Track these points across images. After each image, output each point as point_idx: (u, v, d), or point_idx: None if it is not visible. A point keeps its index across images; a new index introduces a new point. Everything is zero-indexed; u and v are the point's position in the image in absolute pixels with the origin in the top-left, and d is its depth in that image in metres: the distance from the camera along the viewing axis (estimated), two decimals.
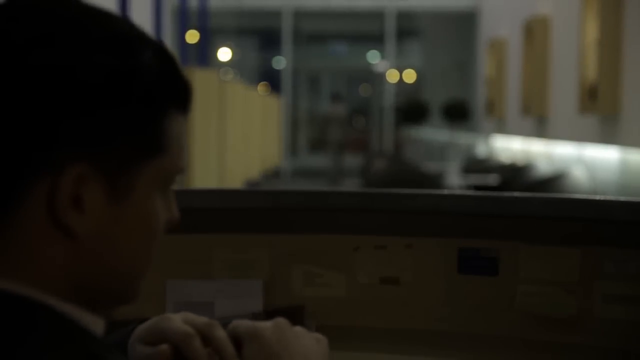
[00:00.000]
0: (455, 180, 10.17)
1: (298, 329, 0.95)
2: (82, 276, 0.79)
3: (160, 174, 0.82)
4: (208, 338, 0.92)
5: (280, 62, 18.26)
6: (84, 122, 0.76)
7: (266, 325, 0.93)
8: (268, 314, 1.78)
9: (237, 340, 0.92)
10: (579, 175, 8.33)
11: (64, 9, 0.79)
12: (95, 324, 0.82)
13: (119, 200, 0.79)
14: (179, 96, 0.84)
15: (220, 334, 0.92)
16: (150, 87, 0.80)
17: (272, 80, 17.92)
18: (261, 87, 16.26)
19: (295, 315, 1.78)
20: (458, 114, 16.15)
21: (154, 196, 0.82)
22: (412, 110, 17.04)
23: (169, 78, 0.82)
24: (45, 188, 0.76)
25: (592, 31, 7.29)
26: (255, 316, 1.77)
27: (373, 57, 18.88)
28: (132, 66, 0.78)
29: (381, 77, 18.13)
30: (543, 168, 9.34)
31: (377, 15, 18.08)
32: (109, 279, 0.81)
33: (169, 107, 0.82)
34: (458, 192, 1.89)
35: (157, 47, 0.82)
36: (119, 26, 0.81)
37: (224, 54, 15.90)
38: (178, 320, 0.93)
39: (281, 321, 0.94)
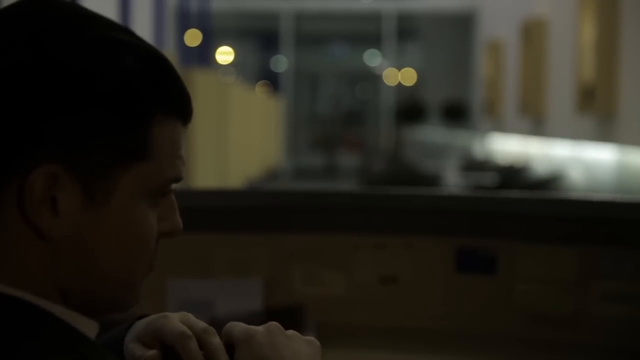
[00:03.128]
0: (453, 180, 10.18)
1: (290, 332, 0.93)
2: (65, 280, 0.79)
3: (145, 181, 0.80)
4: (202, 343, 0.90)
5: (281, 63, 18.26)
6: (55, 123, 0.75)
7: (258, 329, 0.91)
8: (268, 313, 1.79)
9: (230, 344, 0.91)
10: (576, 175, 8.34)
11: (52, 10, 0.79)
12: (88, 326, 0.81)
13: (97, 204, 0.78)
14: (170, 103, 0.81)
15: (216, 341, 0.90)
16: (129, 92, 0.78)
17: (273, 81, 17.93)
18: (261, 87, 16.27)
19: (295, 314, 1.79)
20: (456, 114, 16.18)
21: (139, 204, 0.80)
22: (411, 110, 17.07)
23: (156, 84, 0.80)
24: (16, 188, 0.76)
25: (588, 31, 7.31)
26: (255, 315, 1.78)
27: (373, 59, 18.88)
28: (107, 70, 0.77)
29: (381, 78, 18.13)
30: (541, 169, 9.36)
31: (376, 17, 18.09)
32: (93, 285, 0.80)
33: (155, 113, 0.80)
34: (457, 191, 1.90)
35: (145, 53, 0.81)
36: (103, 30, 0.79)
37: (226, 55, 15.89)
38: (176, 320, 0.91)
39: (273, 325, 0.92)
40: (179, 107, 0.83)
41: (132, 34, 0.83)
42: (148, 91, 0.80)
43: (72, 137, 0.76)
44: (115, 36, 0.80)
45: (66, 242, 0.78)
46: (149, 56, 0.81)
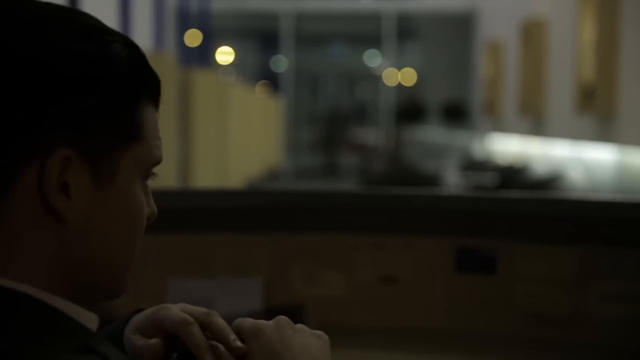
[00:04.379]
0: (453, 180, 10.19)
1: (299, 326, 0.94)
2: (72, 266, 0.80)
3: (140, 161, 0.83)
4: (207, 326, 0.91)
5: (281, 63, 18.28)
6: (64, 107, 0.78)
7: (267, 323, 0.92)
8: (268, 313, 1.80)
9: (240, 339, 0.92)
10: (576, 175, 8.35)
11: (34, 8, 0.81)
12: (89, 318, 0.82)
13: (103, 185, 0.80)
14: (150, 87, 0.86)
15: (220, 321, 0.91)
16: (124, 75, 0.82)
17: (273, 81, 17.95)
18: (261, 87, 16.28)
19: (295, 314, 1.80)
20: (456, 114, 16.20)
21: (136, 185, 0.83)
22: (411, 110, 17.10)
23: (139, 68, 0.84)
24: (34, 173, 0.77)
25: (588, 31, 7.31)
26: (255, 315, 1.79)
27: (373, 59, 18.91)
28: (105, 53, 0.81)
29: (380, 78, 18.16)
30: (541, 169, 9.36)
31: (376, 18, 18.11)
32: (96, 268, 0.82)
33: (142, 96, 0.84)
34: (456, 191, 1.91)
35: (124, 39, 0.85)
36: (87, 19, 0.83)
37: (226, 55, 15.91)
38: (176, 309, 0.92)
39: (282, 319, 0.93)
40: (157, 91, 0.87)
41: (99, 21, 0.86)
42: (136, 75, 0.84)
43: (79, 120, 0.79)
44: (98, 24, 0.84)
45: (76, 225, 0.80)
46: (129, 43, 0.85)
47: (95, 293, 0.84)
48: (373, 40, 18.55)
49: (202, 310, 0.92)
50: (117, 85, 0.81)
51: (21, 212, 0.78)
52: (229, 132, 8.49)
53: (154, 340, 0.91)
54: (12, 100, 0.77)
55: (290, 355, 0.89)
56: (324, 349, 0.93)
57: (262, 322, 0.92)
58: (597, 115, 7.18)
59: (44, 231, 0.79)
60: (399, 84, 18.35)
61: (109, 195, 0.81)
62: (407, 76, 18.44)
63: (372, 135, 17.52)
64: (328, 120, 17.00)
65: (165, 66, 5.71)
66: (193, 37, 12.16)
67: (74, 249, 0.80)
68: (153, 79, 0.87)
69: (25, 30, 0.79)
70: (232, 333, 0.90)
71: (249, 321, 0.92)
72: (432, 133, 16.92)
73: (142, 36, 8.54)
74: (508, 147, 11.85)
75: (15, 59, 0.78)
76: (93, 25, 0.83)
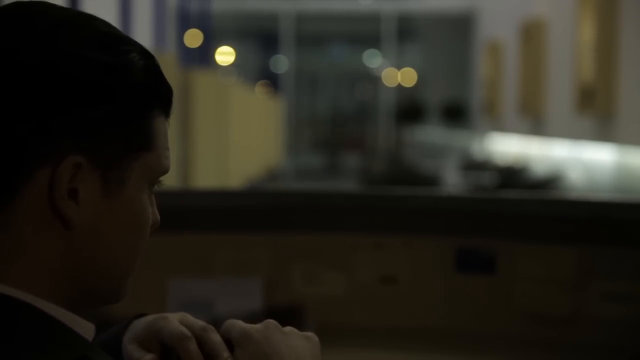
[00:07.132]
0: (453, 180, 10.19)
1: (288, 329, 0.94)
2: (73, 270, 0.81)
3: (149, 171, 0.84)
4: (203, 341, 0.92)
5: (281, 64, 18.29)
6: (79, 114, 0.78)
7: (256, 327, 0.93)
8: (269, 312, 1.80)
9: (229, 342, 0.92)
10: (575, 175, 8.36)
11: (54, 11, 0.82)
12: (86, 328, 0.82)
13: (112, 192, 0.81)
14: (164, 98, 0.86)
15: (216, 338, 0.92)
16: (139, 85, 0.82)
17: (273, 81, 17.96)
18: (261, 88, 16.27)
19: (295, 314, 1.80)
20: (456, 114, 16.22)
21: (143, 194, 0.84)
22: (410, 110, 17.12)
23: (154, 79, 0.85)
24: (43, 178, 0.78)
25: (588, 32, 7.32)
26: (255, 314, 1.79)
27: (372, 59, 18.92)
28: (123, 63, 0.81)
29: (380, 78, 18.17)
30: (540, 169, 9.37)
31: (376, 18, 18.12)
32: (98, 274, 0.82)
33: (155, 106, 0.85)
34: (456, 191, 1.91)
35: (141, 48, 0.85)
36: (105, 27, 0.83)
37: (226, 55, 15.91)
38: (175, 321, 0.93)
39: (271, 322, 0.93)
40: (169, 102, 0.88)
41: (116, 29, 0.86)
42: (151, 86, 0.84)
43: (92, 128, 0.79)
44: (117, 33, 0.84)
45: (83, 232, 0.80)
46: (145, 52, 0.85)
47: (95, 298, 0.84)
48: (373, 40, 18.55)
49: (199, 324, 0.92)
50: (132, 94, 0.82)
51: (27, 216, 0.79)
52: (229, 132, 8.49)
53: (149, 356, 0.91)
54: (27, 106, 0.77)
55: (278, 358, 0.90)
56: (314, 351, 0.94)
57: (250, 326, 0.92)
58: (597, 115, 7.18)
59: (50, 236, 0.79)
60: (399, 84, 18.35)
61: (116, 203, 0.82)
62: (407, 76, 18.43)
63: (373, 136, 17.52)
64: (330, 121, 17.04)
65: (165, 66, 5.68)
66: (193, 38, 12.16)
67: (78, 255, 0.81)
68: (167, 90, 0.87)
69: (41, 36, 0.79)
70: (225, 351, 0.91)
71: (237, 327, 0.92)
72: (431, 133, 16.91)
73: (142, 36, 8.54)
74: (507, 147, 11.85)
75: (29, 65, 0.78)
76: (110, 34, 0.83)
